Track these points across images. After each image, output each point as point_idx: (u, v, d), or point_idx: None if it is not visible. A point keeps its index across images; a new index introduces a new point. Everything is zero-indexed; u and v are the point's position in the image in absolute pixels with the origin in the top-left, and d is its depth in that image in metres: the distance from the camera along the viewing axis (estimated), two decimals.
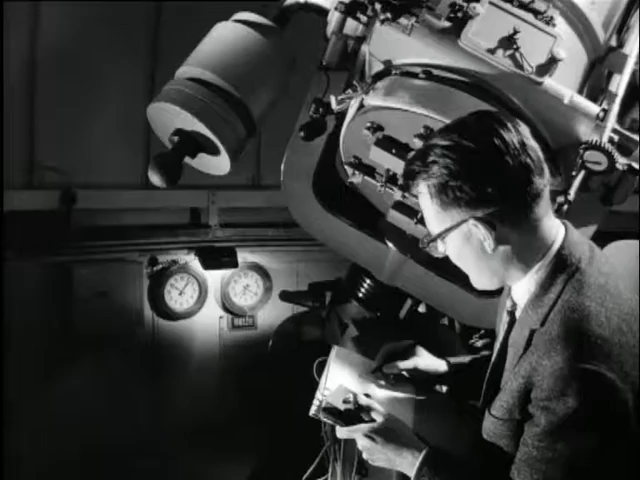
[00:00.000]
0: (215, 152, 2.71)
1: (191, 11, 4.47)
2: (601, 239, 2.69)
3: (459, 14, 2.48)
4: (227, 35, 2.74)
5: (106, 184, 5.19)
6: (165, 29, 4.83)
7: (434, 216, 2.06)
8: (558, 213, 2.31)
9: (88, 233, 5.11)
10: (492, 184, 1.93)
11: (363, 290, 3.51)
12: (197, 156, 2.75)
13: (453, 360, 2.69)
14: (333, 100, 2.66)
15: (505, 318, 2.28)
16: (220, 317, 5.89)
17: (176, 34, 4.57)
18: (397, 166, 2.61)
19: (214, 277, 5.70)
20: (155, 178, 2.64)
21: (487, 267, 2.09)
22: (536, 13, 2.63)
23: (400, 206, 2.84)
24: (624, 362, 1.89)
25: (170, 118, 2.68)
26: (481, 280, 2.17)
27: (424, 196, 2.04)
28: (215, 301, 5.82)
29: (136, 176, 5.20)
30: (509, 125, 1.98)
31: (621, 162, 2.44)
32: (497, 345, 2.32)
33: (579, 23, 2.81)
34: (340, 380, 2.59)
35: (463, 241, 2.05)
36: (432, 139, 2.03)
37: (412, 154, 2.16)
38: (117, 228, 5.28)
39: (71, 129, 4.93)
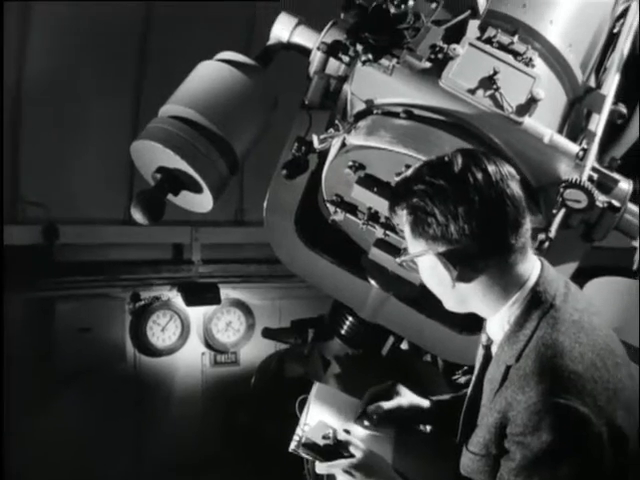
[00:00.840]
0: (198, 190, 2.72)
1: (175, 52, 4.50)
2: (583, 275, 2.72)
3: (439, 55, 2.52)
4: (210, 74, 2.76)
5: (89, 219, 5.19)
6: (150, 67, 4.86)
7: (408, 238, 2.11)
8: (539, 250, 2.33)
9: (70, 268, 5.10)
10: (458, 227, 1.96)
11: (345, 327, 3.50)
12: (180, 193, 2.76)
13: (435, 398, 2.69)
14: (315, 139, 2.68)
15: (480, 353, 2.29)
16: (202, 354, 5.88)
17: (160, 72, 4.60)
18: (379, 204, 2.63)
19: (197, 313, 5.70)
20: (138, 215, 2.65)
21: (452, 296, 2.13)
22: (515, 54, 2.68)
23: (382, 244, 2.85)
24: (598, 397, 1.89)
25: (153, 155, 2.69)
26: (448, 305, 2.20)
27: (402, 218, 2.08)
28: (197, 337, 5.81)
29: (119, 212, 5.21)
30: (487, 165, 2.00)
31: (601, 200, 2.47)
32: (473, 380, 2.32)
33: (558, 64, 2.86)
34: (320, 416, 2.59)
35: (430, 268, 2.08)
36: (421, 169, 2.06)
37: (401, 177, 2.19)
38: (100, 263, 5.28)
39: (55, 164, 4.94)
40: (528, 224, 2.04)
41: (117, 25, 4.71)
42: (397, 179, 2.51)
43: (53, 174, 4.93)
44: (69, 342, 5.11)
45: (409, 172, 2.12)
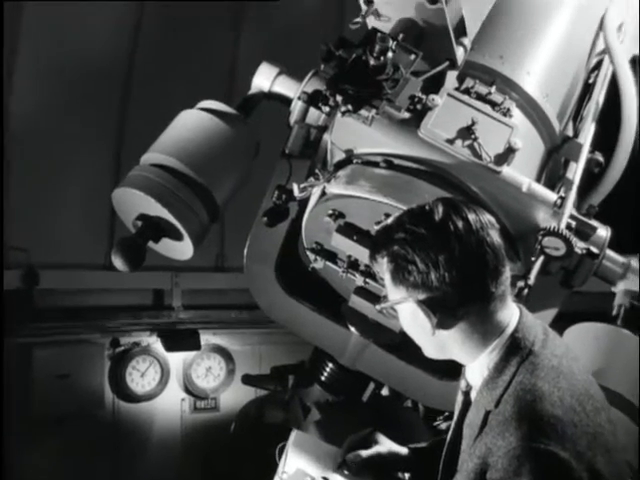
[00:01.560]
0: (178, 237, 2.73)
1: (157, 100, 4.53)
2: (563, 320, 2.74)
3: (418, 106, 2.55)
4: (192, 122, 2.79)
5: (70, 264, 5.17)
6: (131, 115, 4.89)
7: (388, 285, 2.11)
8: (518, 297, 2.35)
9: (50, 314, 5.06)
10: (438, 275, 1.97)
11: (326, 374, 3.49)
12: (160, 241, 2.76)
13: (413, 446, 2.68)
14: (295, 187, 2.70)
15: (460, 398, 2.29)
16: (182, 399, 5.83)
17: (142, 120, 4.63)
18: (358, 252, 2.64)
19: (176, 359, 5.67)
20: (118, 262, 2.65)
21: (432, 343, 2.13)
22: (493, 104, 2.73)
23: (362, 291, 2.85)
24: (578, 441, 1.89)
25: (134, 203, 2.70)
26: (428, 352, 2.20)
27: (383, 266, 2.09)
28: (177, 383, 5.76)
29: (100, 257, 5.20)
30: (467, 213, 2.02)
31: (580, 246, 2.50)
32: (452, 425, 2.32)
33: (535, 114, 2.92)
34: (299, 464, 2.57)
35: (410, 316, 2.08)
36: (401, 218, 2.08)
37: (382, 225, 2.21)
38: (79, 309, 5.25)
39: (36, 209, 4.92)
40: (508, 272, 2.05)
41: (100, 73, 4.76)
42: (377, 228, 2.53)
43: (35, 219, 4.91)
44: (47, 389, 5.05)
45: (390, 220, 2.14)
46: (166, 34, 5.28)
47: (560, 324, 2.63)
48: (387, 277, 2.08)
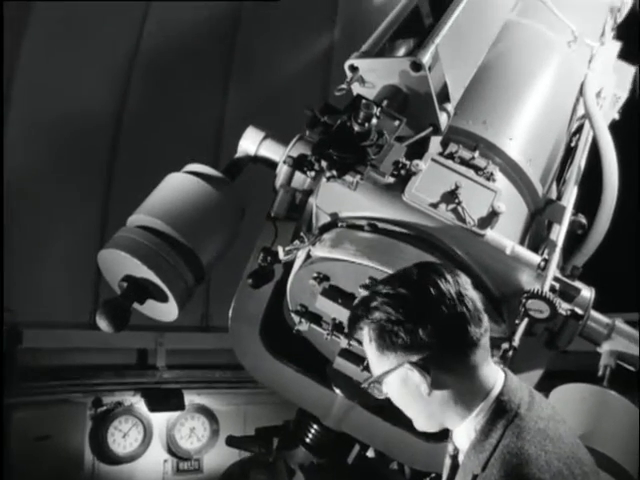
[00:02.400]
0: (164, 299, 2.72)
1: (144, 162, 4.57)
2: (550, 379, 2.74)
3: (402, 171, 2.59)
4: (178, 185, 2.81)
5: (53, 323, 5.14)
6: (118, 176, 4.92)
7: (374, 359, 2.10)
8: (503, 359, 2.35)
9: (33, 373, 5.00)
10: (426, 331, 1.98)
11: (310, 435, 3.46)
12: (146, 302, 2.76)
13: None
14: (281, 250, 2.71)
15: (448, 462, 2.27)
16: (165, 461, 5.75)
17: (128, 182, 4.66)
18: (343, 315, 2.64)
19: (160, 419, 5.60)
20: (103, 324, 2.63)
21: (424, 410, 2.11)
22: (477, 169, 2.77)
23: (346, 353, 2.85)
24: None
25: (120, 264, 2.70)
26: (419, 422, 2.18)
27: (366, 339, 2.09)
28: (160, 444, 5.69)
29: (84, 316, 5.16)
30: (448, 276, 2.04)
31: (564, 308, 2.51)
32: None
33: (518, 178, 2.96)
34: None
35: (400, 384, 2.07)
36: (376, 287, 2.09)
37: (357, 299, 2.21)
38: (62, 368, 5.20)
39: (21, 268, 4.91)
40: (487, 324, 2.07)
41: (88, 133, 4.80)
42: (362, 291, 2.54)
43: (20, 278, 4.89)
44: (25, 451, 4.96)
45: (364, 293, 2.15)
46: (153, 97, 5.36)
47: (547, 383, 2.63)
48: (372, 347, 2.07)
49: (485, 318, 2.06)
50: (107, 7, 5.15)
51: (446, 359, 2.02)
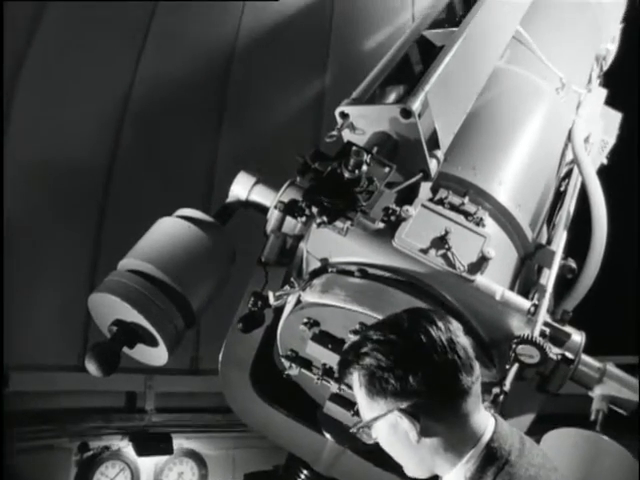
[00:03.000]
0: (153, 343, 2.71)
1: (135, 206, 4.57)
2: (542, 422, 2.72)
3: (392, 217, 2.60)
4: (169, 230, 2.81)
5: (40, 366, 5.09)
6: (109, 219, 4.93)
7: (364, 403, 2.08)
8: (494, 404, 2.34)
9: (18, 418, 4.93)
10: (416, 378, 1.97)
11: None
12: (135, 346, 2.74)
13: None
14: (271, 295, 2.71)
15: None
16: None
17: (119, 225, 4.67)
18: (333, 360, 2.63)
19: (147, 464, 5.53)
20: (92, 368, 2.61)
21: (414, 456, 2.09)
22: (466, 215, 2.79)
23: (337, 398, 2.84)
24: None
25: (111, 308, 2.69)
26: (409, 468, 2.16)
27: (356, 384, 2.08)
28: None
29: (72, 358, 5.12)
30: (439, 323, 2.04)
31: (555, 352, 2.50)
32: None
33: (508, 223, 2.98)
34: None
35: (390, 430, 2.05)
36: (367, 332, 2.09)
37: (348, 345, 2.21)
38: (48, 412, 5.13)
39: (9, 309, 4.88)
40: (479, 371, 2.05)
41: (80, 176, 4.81)
42: (352, 337, 2.54)
43: (7, 319, 4.86)
44: None
45: (354, 338, 2.14)
46: (146, 141, 5.40)
47: (539, 427, 2.61)
48: (362, 393, 2.06)
49: (477, 366, 2.05)
50: (100, 53, 5.22)
51: (436, 407, 2.01)
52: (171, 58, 5.71)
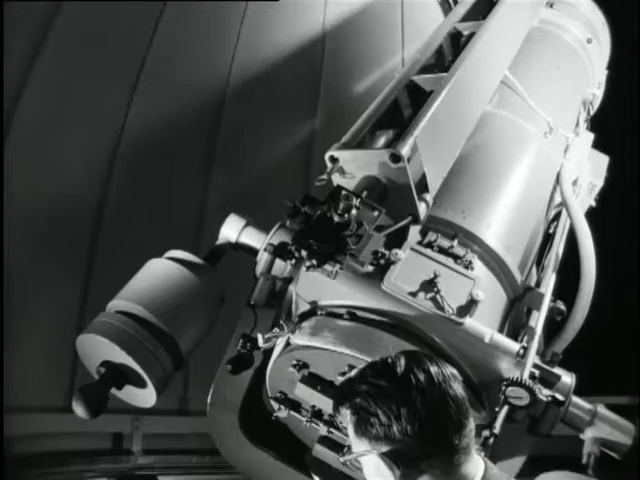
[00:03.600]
0: (142, 385, 2.69)
1: (125, 246, 4.57)
2: (532, 464, 2.70)
3: (382, 261, 2.61)
4: (159, 271, 2.80)
5: (25, 407, 5.02)
6: (99, 260, 4.92)
7: (352, 437, 2.09)
8: (484, 446, 2.34)
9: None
10: (400, 429, 1.96)
11: None
12: (124, 388, 2.73)
13: None
14: (260, 338, 2.71)
15: None
16: None
17: (109, 267, 4.66)
18: (322, 402, 2.64)
19: None
20: (79, 410, 2.59)
21: None
22: (455, 257, 2.81)
23: (326, 441, 2.83)
24: None
25: (99, 349, 2.67)
26: None
27: (346, 418, 2.08)
28: None
29: (57, 399, 5.07)
30: (433, 373, 2.03)
31: (545, 394, 2.51)
32: None
33: (497, 266, 3.00)
34: None
35: (374, 468, 2.05)
36: (364, 370, 2.09)
37: (345, 378, 2.21)
38: (31, 456, 5.04)
39: None
40: (472, 424, 2.05)
41: (70, 215, 4.82)
42: (341, 379, 2.54)
43: None
44: None
45: (353, 373, 2.14)
46: (136, 182, 5.42)
47: (530, 469, 2.60)
48: (350, 429, 2.07)
49: (469, 420, 2.04)
50: (93, 93, 5.26)
51: (419, 458, 2.00)
52: (163, 99, 5.76)
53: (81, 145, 5.23)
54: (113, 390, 2.73)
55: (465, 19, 3.70)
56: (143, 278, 2.82)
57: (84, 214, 5.10)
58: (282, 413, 2.87)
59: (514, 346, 2.60)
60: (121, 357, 2.62)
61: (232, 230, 2.94)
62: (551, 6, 4.48)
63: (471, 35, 3.47)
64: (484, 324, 2.64)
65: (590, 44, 4.32)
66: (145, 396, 2.78)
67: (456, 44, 3.59)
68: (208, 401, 3.14)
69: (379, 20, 6.90)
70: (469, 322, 2.59)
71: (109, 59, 5.45)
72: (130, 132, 5.48)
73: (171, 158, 5.67)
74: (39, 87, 5.10)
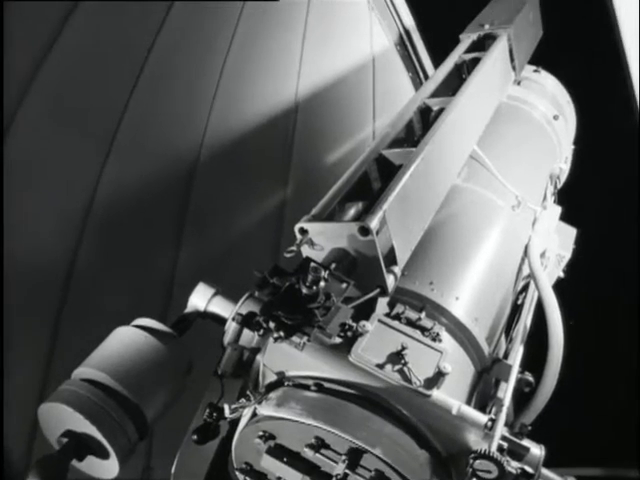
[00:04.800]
0: (104, 456, 2.65)
1: (92, 315, 4.53)
2: None
3: (349, 333, 2.62)
4: (126, 339, 2.78)
5: None
6: (64, 326, 4.87)
7: None
8: None
9: None
10: None
11: None
12: (85, 459, 2.68)
13: None
14: (227, 408, 2.69)
15: None
16: None
17: (74, 334, 4.61)
18: (288, 474, 2.61)
19: None
20: None
21: None
22: (423, 330, 2.83)
23: None
24: None
25: (62, 418, 2.62)
26: None
27: None
28: None
29: (19, 465, 4.95)
30: None
31: (514, 466, 2.48)
32: None
33: (464, 338, 3.02)
34: None
35: None
36: None
37: None
38: None
39: None
40: None
41: (37, 280, 4.77)
42: (308, 451, 2.52)
43: None
44: None
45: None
46: (105, 248, 5.41)
47: None
48: None
49: None
50: (66, 159, 5.29)
51: None
52: (136, 166, 5.80)
53: (51, 211, 5.22)
54: (74, 461, 2.68)
55: (435, 95, 3.79)
56: (110, 346, 2.79)
57: (51, 279, 5.06)
58: None
59: (482, 418, 2.60)
60: (85, 427, 2.57)
61: (201, 299, 2.94)
62: (519, 83, 4.62)
63: (440, 110, 3.55)
64: (452, 396, 2.64)
65: (556, 120, 4.45)
66: (107, 467, 2.72)
67: (426, 119, 3.67)
68: (172, 471, 3.08)
69: (351, 92, 7.05)
70: (436, 394, 2.59)
71: (83, 123, 5.49)
72: (101, 199, 5.50)
73: (142, 225, 5.68)
74: (10, 151, 5.12)
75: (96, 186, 5.47)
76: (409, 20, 7.42)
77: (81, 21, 5.32)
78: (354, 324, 2.62)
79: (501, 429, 2.55)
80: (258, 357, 2.74)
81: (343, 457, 2.48)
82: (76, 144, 5.43)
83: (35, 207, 5.20)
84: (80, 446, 2.62)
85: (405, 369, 2.59)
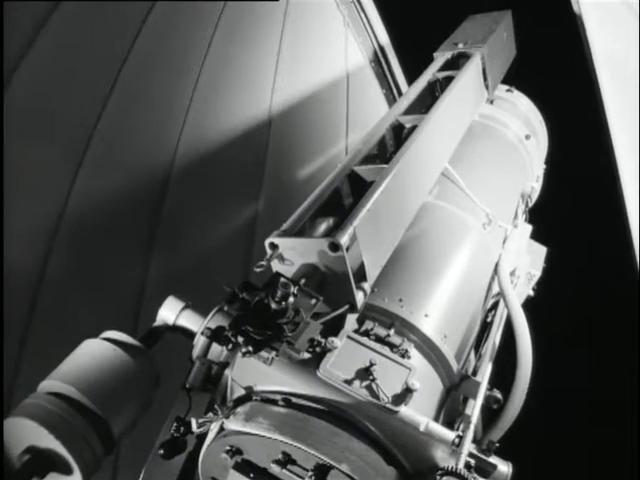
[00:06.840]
0: (68, 471, 2.60)
1: (59, 325, 4.48)
2: None
3: (318, 348, 2.62)
4: (94, 352, 2.75)
5: None
6: (30, 338, 4.81)
7: None
8: None
9: None
10: None
11: None
12: (47, 476, 2.62)
13: None
14: (194, 422, 2.67)
15: None
16: None
17: (41, 345, 4.55)
18: None
19: None
20: None
21: None
22: (392, 346, 2.84)
23: None
24: None
25: (25, 433, 2.57)
26: None
27: None
28: None
29: None
30: None
31: None
32: None
33: (433, 355, 3.03)
34: None
35: None
36: None
37: None
38: None
39: None
40: None
41: (5, 286, 4.71)
42: (275, 466, 2.52)
43: None
44: None
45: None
46: (75, 258, 5.36)
47: None
48: None
49: None
50: (37, 168, 5.25)
51: None
52: (108, 176, 5.77)
53: (20, 222, 5.17)
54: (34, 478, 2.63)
55: (408, 112, 3.81)
56: (77, 359, 2.76)
57: (20, 289, 5.00)
58: None
59: (449, 435, 2.60)
60: (48, 441, 2.53)
61: (170, 312, 2.93)
62: (492, 102, 4.66)
63: (413, 128, 3.57)
64: (420, 413, 2.64)
65: (528, 140, 4.49)
66: None
67: (398, 136, 3.69)
68: None
69: (324, 107, 7.07)
70: (404, 411, 2.59)
71: (55, 134, 5.46)
72: (72, 209, 5.46)
73: (112, 236, 5.65)
74: None
75: (67, 197, 5.43)
76: (384, 37, 7.49)
77: (53, 31, 5.29)
78: (323, 340, 2.62)
79: (468, 446, 2.56)
80: (226, 371, 2.74)
81: (310, 473, 2.47)
82: (47, 154, 5.40)
83: (6, 218, 5.15)
84: (42, 462, 2.56)
85: (373, 385, 2.60)
